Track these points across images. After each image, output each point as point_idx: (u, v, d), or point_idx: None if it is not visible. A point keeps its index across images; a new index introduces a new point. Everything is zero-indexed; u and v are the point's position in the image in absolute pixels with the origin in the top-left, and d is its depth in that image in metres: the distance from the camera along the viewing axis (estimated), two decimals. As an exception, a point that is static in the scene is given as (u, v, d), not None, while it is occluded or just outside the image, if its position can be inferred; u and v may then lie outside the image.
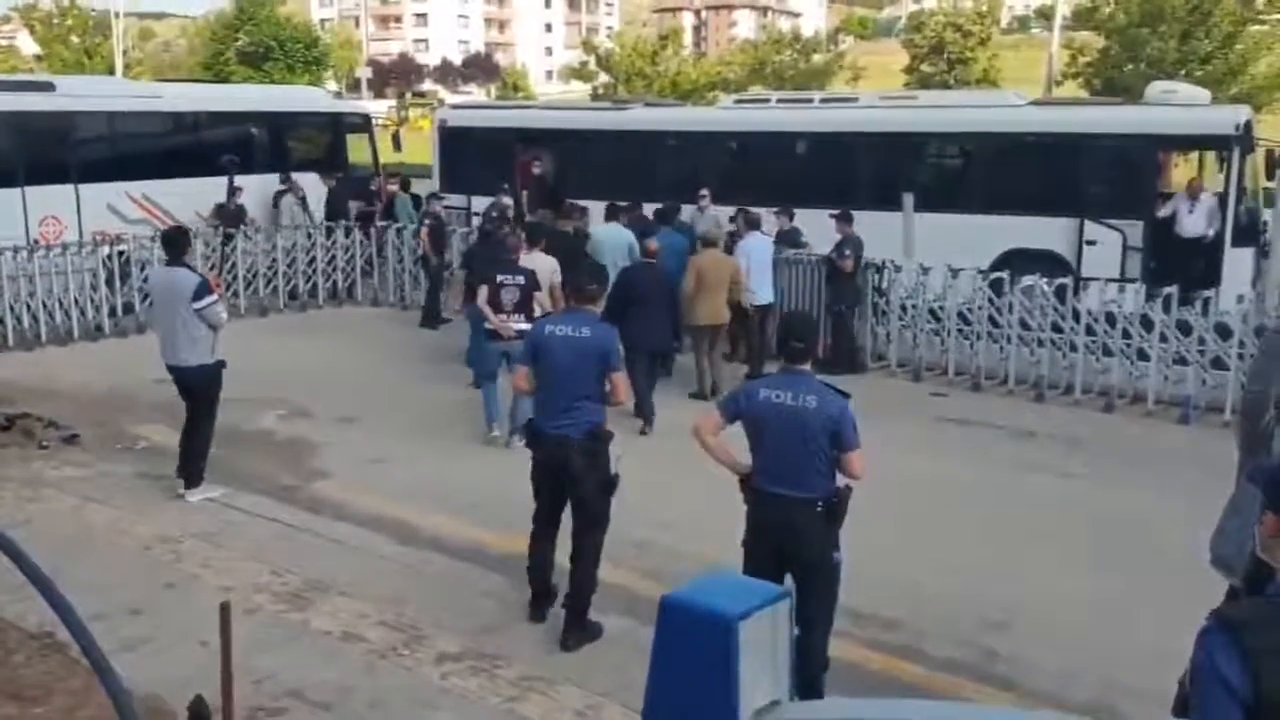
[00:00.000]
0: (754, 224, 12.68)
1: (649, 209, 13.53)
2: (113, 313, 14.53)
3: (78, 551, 6.96)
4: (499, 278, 9.78)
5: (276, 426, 10.43)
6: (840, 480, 5.14)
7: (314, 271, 16.60)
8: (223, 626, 4.34)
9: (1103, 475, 9.15)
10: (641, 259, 11.30)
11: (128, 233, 15.24)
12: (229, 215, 15.99)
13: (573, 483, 6.08)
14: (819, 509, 5.04)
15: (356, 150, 20.70)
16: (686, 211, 14.12)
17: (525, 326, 9.06)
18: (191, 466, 8.34)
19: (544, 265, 10.31)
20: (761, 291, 12.17)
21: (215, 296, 8.22)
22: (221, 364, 8.34)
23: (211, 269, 14.48)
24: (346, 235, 16.91)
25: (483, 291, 9.88)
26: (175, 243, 8.49)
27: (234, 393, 8.89)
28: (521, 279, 9.77)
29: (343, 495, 8.50)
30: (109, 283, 14.46)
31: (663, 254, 11.25)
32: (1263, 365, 4.61)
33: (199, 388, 8.28)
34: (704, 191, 14.69)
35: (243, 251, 15.82)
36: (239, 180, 15.55)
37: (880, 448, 6.40)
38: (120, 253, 14.79)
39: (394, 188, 18.74)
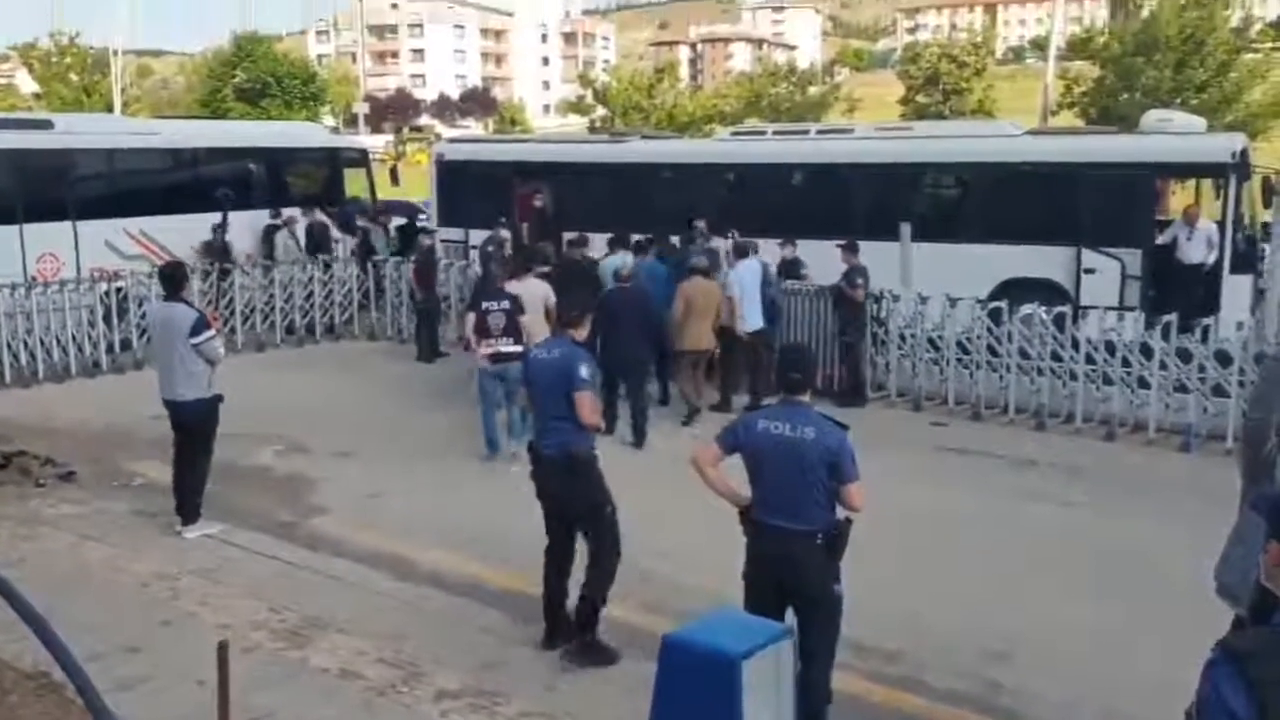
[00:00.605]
0: (743, 252, 12.73)
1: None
2: (110, 349, 14.53)
3: (74, 590, 6.91)
4: (484, 304, 10.47)
5: (274, 462, 10.39)
6: (840, 512, 5.11)
7: (311, 306, 16.60)
8: (220, 666, 4.30)
9: (1104, 504, 9.11)
10: (617, 284, 11.67)
11: (125, 269, 15.26)
12: (216, 251, 16.04)
13: (559, 502, 6.31)
14: (819, 541, 5.01)
15: (354, 185, 20.81)
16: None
17: (514, 349, 9.98)
18: (188, 503, 8.29)
19: (537, 290, 10.87)
20: (751, 319, 12.23)
21: (213, 331, 8.25)
22: (218, 399, 8.33)
23: (209, 304, 14.53)
24: (344, 269, 16.95)
25: (470, 319, 10.59)
26: (173, 278, 8.50)
27: (231, 428, 8.86)
28: (507, 304, 10.36)
29: (340, 531, 8.45)
30: (106, 319, 14.46)
31: (639, 278, 11.75)
32: (1264, 392, 4.59)
33: (195, 423, 8.26)
34: (699, 223, 14.72)
35: (240, 286, 15.83)
36: (190, 224, 15.99)
37: (880, 477, 6.38)
38: (118, 289, 14.80)
39: (364, 222, 18.70)
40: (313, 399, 12.79)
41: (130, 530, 8.39)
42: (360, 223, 18.75)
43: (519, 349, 9.78)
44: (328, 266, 16.78)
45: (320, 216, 18.15)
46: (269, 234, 17.77)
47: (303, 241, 17.78)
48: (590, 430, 6.35)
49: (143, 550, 7.93)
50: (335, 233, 18.35)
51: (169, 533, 8.24)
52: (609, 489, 6.30)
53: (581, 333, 6.60)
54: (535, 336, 9.99)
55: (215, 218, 16.31)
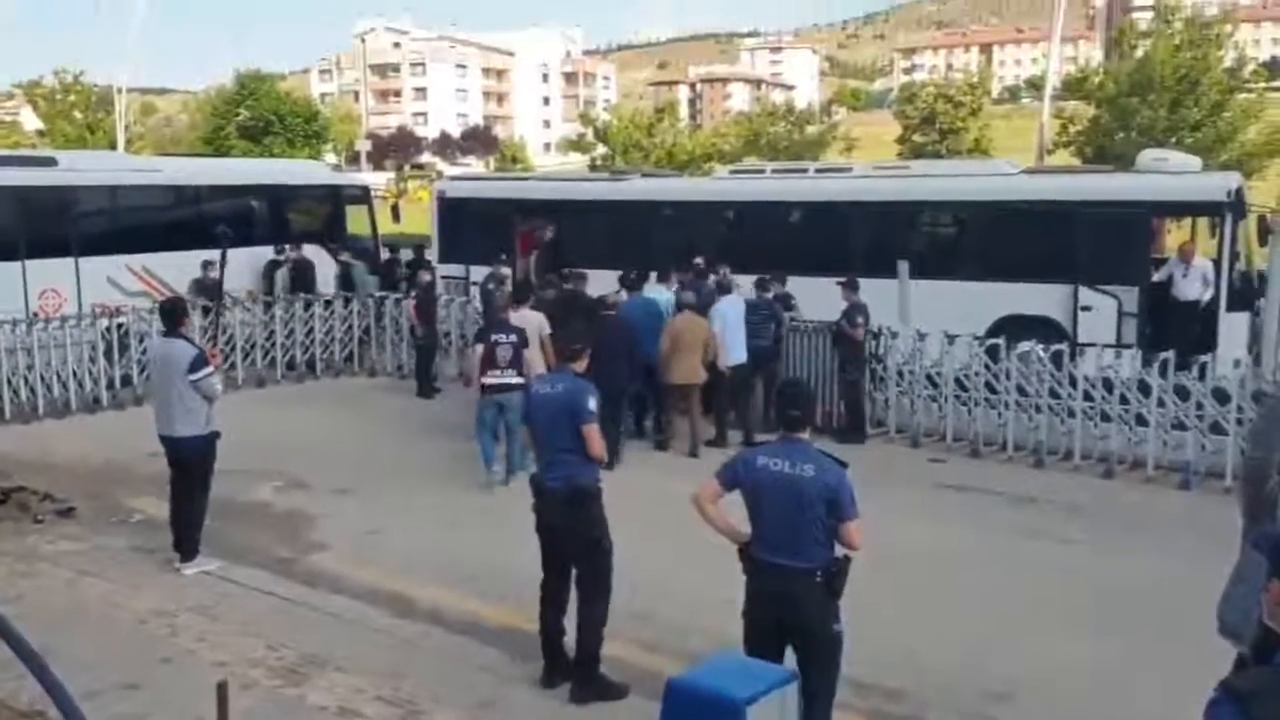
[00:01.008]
0: (726, 289, 12.81)
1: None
2: (111, 385, 14.55)
3: (71, 627, 6.89)
4: (493, 337, 10.90)
5: (273, 498, 10.38)
6: (839, 550, 5.10)
7: (311, 342, 16.63)
8: (220, 705, 4.29)
9: (1104, 542, 9.10)
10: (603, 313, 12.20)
11: (127, 305, 15.31)
12: (207, 288, 16.09)
13: (557, 535, 6.31)
14: (818, 579, 4.99)
15: (356, 222, 20.91)
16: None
17: (518, 380, 10.51)
18: (186, 539, 8.28)
19: (533, 321, 11.30)
20: (735, 353, 12.38)
21: (211, 368, 8.24)
22: (215, 435, 8.33)
23: (208, 341, 14.55)
24: (344, 306, 17.00)
25: (477, 350, 11.02)
26: (171, 313, 8.55)
27: (231, 464, 8.87)
28: (514, 337, 10.85)
29: (339, 568, 8.43)
30: (107, 355, 14.50)
31: (623, 308, 12.36)
32: (1264, 430, 4.59)
33: (192, 460, 8.26)
34: (698, 260, 14.80)
35: (240, 323, 15.87)
36: (192, 261, 16.08)
37: (880, 514, 6.38)
38: (119, 325, 14.84)
39: (346, 258, 18.69)
40: (312, 435, 12.80)
41: (128, 566, 8.38)
42: (342, 258, 18.73)
43: (521, 380, 10.39)
44: (309, 305, 16.65)
45: (304, 254, 18.04)
46: (270, 270, 17.84)
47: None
48: (596, 463, 6.37)
49: (141, 587, 7.92)
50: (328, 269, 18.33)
51: (167, 569, 8.23)
52: (607, 526, 6.30)
53: (582, 364, 6.64)
54: (535, 366, 10.71)
55: (215, 254, 16.36)
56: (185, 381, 8.02)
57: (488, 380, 10.77)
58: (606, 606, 6.24)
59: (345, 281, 18.05)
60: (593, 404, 6.32)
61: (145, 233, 17.12)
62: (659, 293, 13.13)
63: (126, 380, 14.73)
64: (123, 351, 14.72)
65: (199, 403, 8.11)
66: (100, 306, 15.06)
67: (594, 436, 6.30)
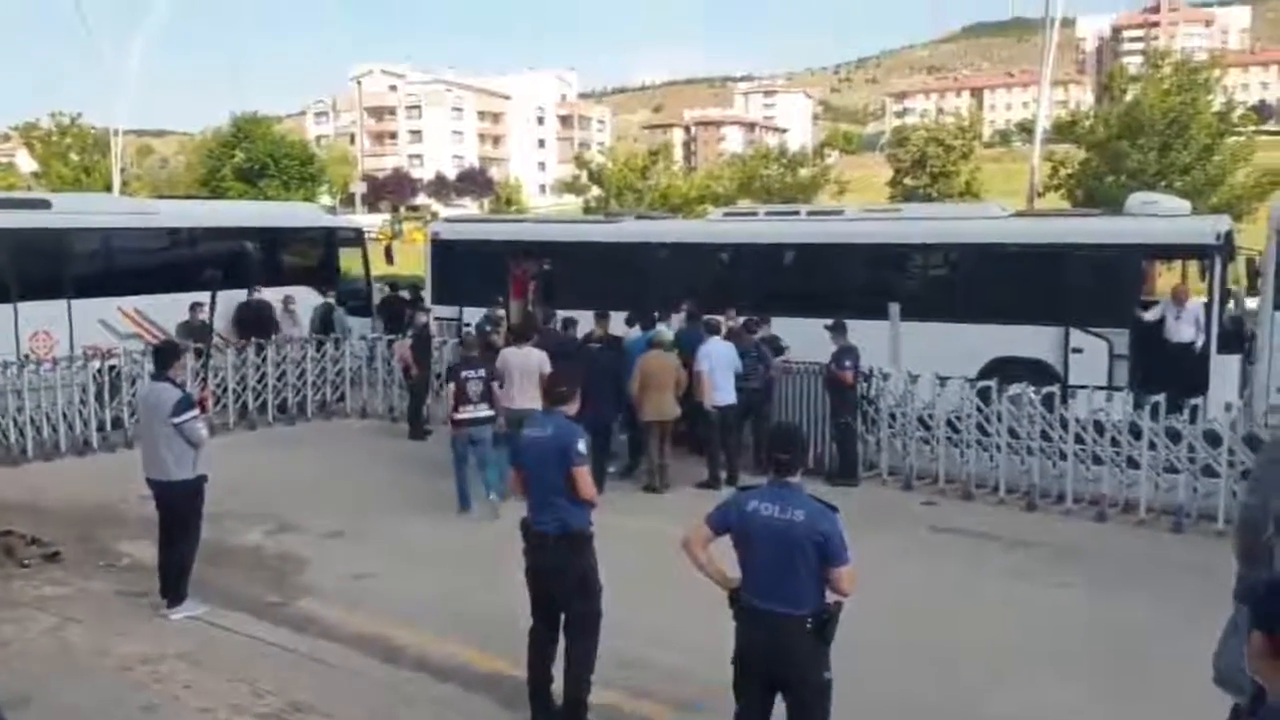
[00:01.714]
0: (713, 330, 12.89)
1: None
2: (101, 427, 14.50)
3: (54, 673, 6.83)
4: (464, 373, 11.42)
5: (263, 541, 10.31)
6: (830, 596, 5.07)
7: (303, 384, 16.60)
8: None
9: (1097, 586, 9.05)
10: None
11: (119, 347, 15.28)
12: (195, 330, 16.06)
13: (547, 579, 6.27)
14: (809, 626, 4.96)
15: (351, 264, 20.98)
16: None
17: (488, 414, 11.29)
18: (174, 584, 8.21)
19: (534, 358, 11.57)
20: (724, 394, 12.47)
21: (196, 412, 8.15)
22: (203, 479, 8.27)
23: (200, 383, 14.52)
24: (336, 348, 16.98)
25: (450, 388, 11.52)
26: (161, 356, 8.55)
27: (220, 508, 8.83)
28: (482, 372, 11.45)
29: (328, 612, 8.36)
30: (98, 397, 14.45)
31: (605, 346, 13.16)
32: (1261, 478, 4.56)
33: (179, 504, 8.19)
34: (685, 305, 14.83)
35: (232, 365, 15.84)
36: (206, 297, 15.67)
37: (873, 557, 6.35)
38: (111, 367, 14.81)
39: (328, 300, 18.56)
40: (303, 478, 12.75)
41: (115, 612, 8.31)
42: (325, 300, 18.59)
43: (491, 413, 11.35)
44: (260, 349, 16.41)
45: (260, 295, 17.73)
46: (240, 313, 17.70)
47: (302, 320, 17.82)
48: (588, 506, 6.34)
49: (127, 632, 7.85)
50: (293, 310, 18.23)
51: (154, 614, 8.16)
52: (598, 570, 6.27)
53: (572, 407, 6.61)
54: (527, 399, 10.84)
55: (202, 296, 16.35)
56: (169, 425, 7.96)
57: (460, 415, 11.29)
58: (595, 652, 6.20)
59: (325, 323, 17.97)
60: (583, 446, 6.30)
61: (138, 275, 17.13)
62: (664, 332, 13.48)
63: (117, 423, 14.67)
64: (114, 394, 14.67)
65: (185, 446, 8.04)
66: (92, 348, 15.04)
67: (584, 479, 6.27)
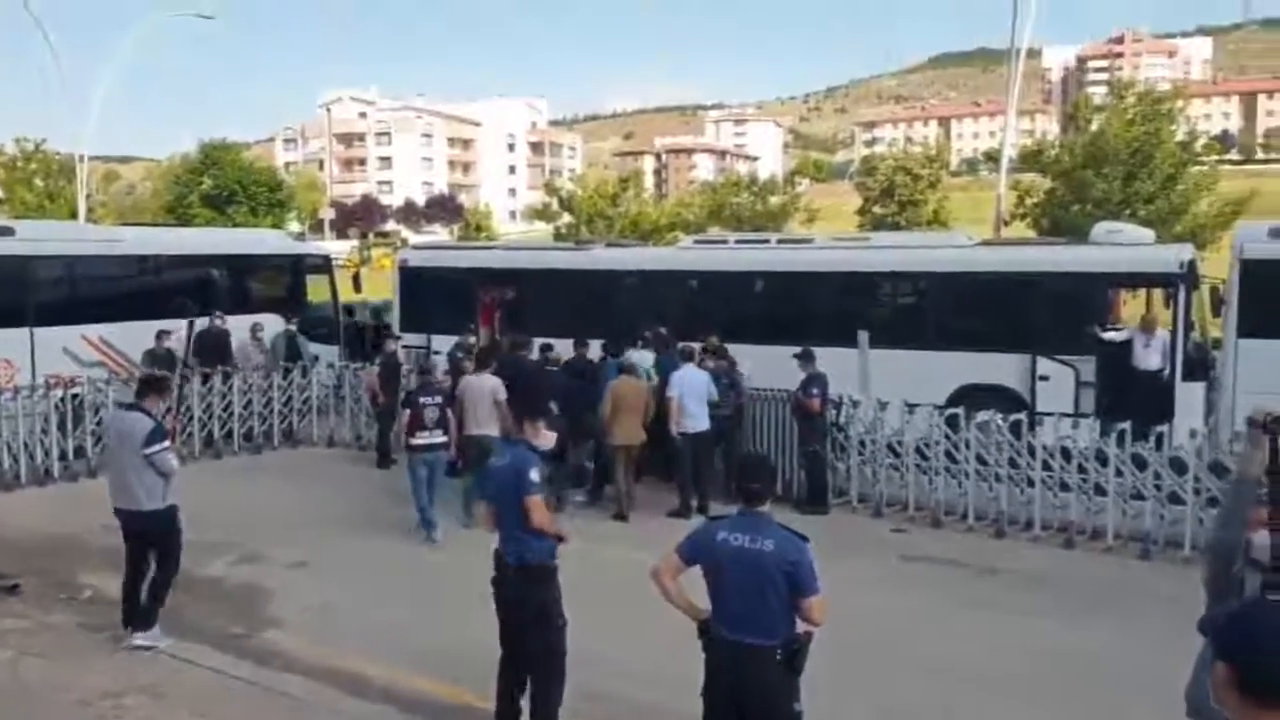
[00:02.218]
0: (688, 356, 12.91)
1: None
2: (63, 456, 14.28)
3: (12, 708, 6.70)
4: (420, 400, 11.70)
5: (226, 572, 10.18)
6: (800, 626, 5.04)
7: (270, 413, 16.44)
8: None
9: (1065, 613, 9.07)
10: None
11: (83, 376, 15.10)
12: (160, 358, 15.92)
13: (507, 609, 6.24)
14: (778, 657, 4.93)
15: (318, 292, 20.84)
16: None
17: (443, 439, 11.60)
18: (143, 611, 8.06)
19: (489, 384, 11.85)
20: (695, 421, 12.45)
21: (167, 443, 8.09)
22: (174, 509, 8.17)
23: (168, 412, 14.35)
24: (302, 375, 16.86)
25: (406, 413, 11.81)
26: (143, 386, 8.52)
27: (185, 537, 8.66)
28: (439, 399, 11.76)
29: (292, 644, 8.25)
30: (61, 426, 14.24)
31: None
32: (1233, 510, 4.59)
33: (151, 533, 8.10)
34: (661, 329, 14.84)
35: (199, 394, 15.67)
36: (172, 324, 15.79)
37: (843, 586, 6.33)
38: (74, 396, 14.61)
39: (289, 328, 18.30)
40: (268, 507, 12.61)
41: (75, 645, 8.17)
42: (288, 328, 18.34)
43: (446, 439, 11.66)
44: (227, 377, 16.32)
45: (219, 322, 17.47)
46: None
47: (268, 348, 17.68)
48: (544, 537, 6.24)
49: (88, 666, 7.71)
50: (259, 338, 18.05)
51: (116, 647, 8.02)
52: (561, 604, 6.19)
53: (538, 436, 6.51)
54: (484, 425, 11.56)
55: (167, 324, 16.28)
56: (139, 455, 7.90)
57: (417, 441, 11.58)
58: (561, 687, 6.13)
59: (291, 350, 17.81)
60: (535, 474, 6.23)
61: (103, 303, 16.96)
62: (643, 358, 13.77)
63: (80, 452, 14.46)
64: (76, 423, 14.47)
65: (156, 477, 7.97)
66: (54, 377, 14.84)
67: (536, 509, 6.19)
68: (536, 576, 6.17)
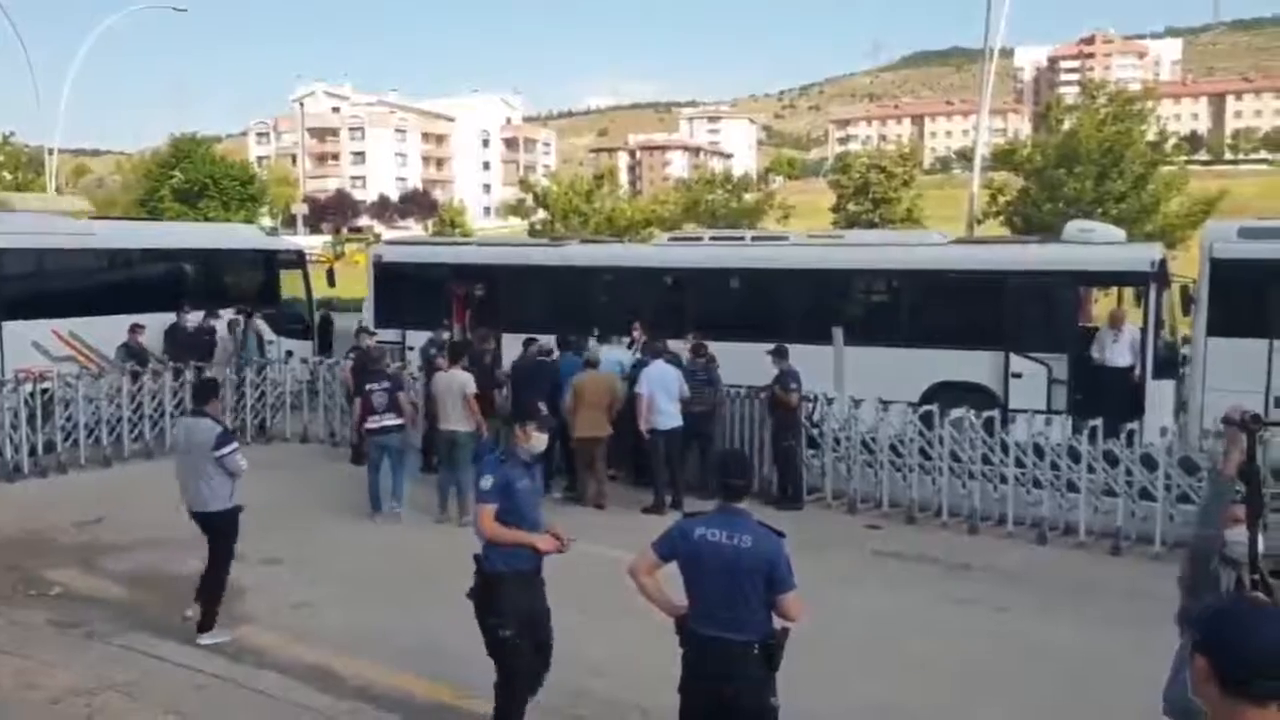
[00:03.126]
0: (658, 352, 12.93)
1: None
2: (33, 452, 14.11)
3: (-19, 707, 6.61)
4: (368, 385, 12.28)
5: (200, 569, 10.05)
6: (777, 622, 5.05)
7: (242, 408, 16.33)
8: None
9: (1038, 608, 9.15)
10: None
11: (53, 370, 14.94)
12: (135, 353, 15.82)
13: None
14: (755, 652, 4.94)
15: (291, 286, 20.72)
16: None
17: (395, 422, 12.09)
18: (205, 615, 8.23)
19: (458, 380, 11.95)
20: (665, 417, 12.46)
21: (235, 445, 8.41)
22: (237, 510, 8.40)
23: (136, 406, 14.30)
24: (278, 370, 16.75)
25: (359, 401, 12.35)
26: (200, 392, 9.01)
27: (158, 534, 8.66)
28: (387, 384, 12.31)
29: (266, 642, 8.19)
30: (31, 421, 14.07)
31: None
32: (1214, 509, 4.63)
33: (220, 532, 8.36)
34: (635, 326, 14.86)
35: (170, 388, 15.54)
36: (140, 319, 16.11)
37: (817, 582, 6.36)
38: (44, 390, 14.45)
39: (251, 323, 18.06)
40: (241, 503, 12.47)
41: (45, 643, 8.07)
42: (251, 323, 18.10)
43: (399, 422, 12.17)
44: (261, 368, 16.35)
45: (188, 315, 17.44)
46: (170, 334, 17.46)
47: (247, 340, 17.59)
48: (487, 541, 6.02)
49: (58, 664, 7.62)
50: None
51: (87, 645, 7.94)
52: (507, 611, 5.96)
53: (531, 438, 6.29)
54: (454, 421, 11.83)
55: (140, 318, 16.22)
56: (209, 458, 8.18)
57: (369, 426, 12.14)
58: (519, 694, 5.99)
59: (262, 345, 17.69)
60: (484, 481, 6.08)
61: (73, 296, 16.79)
62: (620, 353, 13.91)
63: (50, 447, 14.31)
64: (46, 418, 14.31)
65: (224, 478, 8.29)
66: (24, 372, 14.67)
67: (480, 514, 6.06)
68: (485, 582, 6.02)
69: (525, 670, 6.03)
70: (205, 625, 8.21)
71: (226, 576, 8.39)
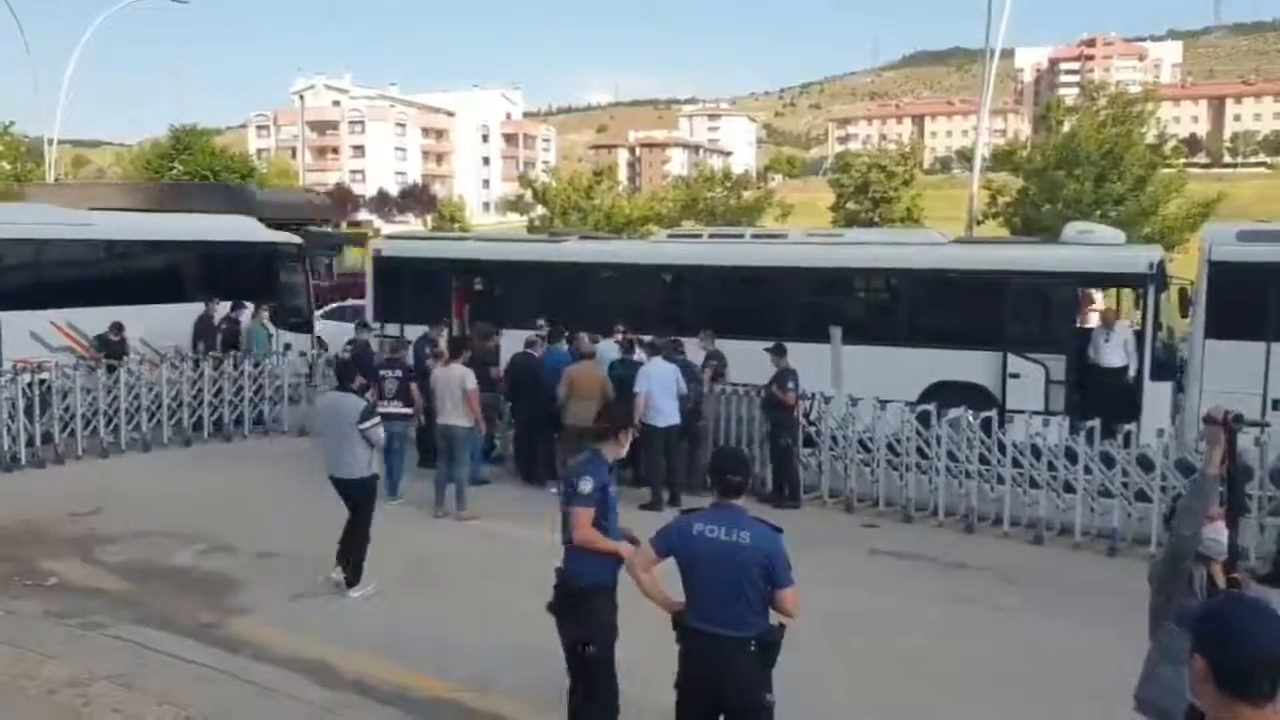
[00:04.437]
0: (657, 350, 12.93)
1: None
2: (31, 442, 14.09)
3: (-23, 697, 6.61)
4: (382, 371, 12.66)
5: (196, 561, 10.08)
6: (774, 619, 5.05)
7: (240, 401, 16.32)
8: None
9: (1034, 608, 9.17)
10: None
11: (51, 360, 14.93)
12: (112, 347, 15.82)
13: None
14: (752, 648, 4.94)
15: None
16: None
17: (403, 410, 12.44)
18: (352, 568, 9.04)
19: (456, 374, 12.12)
20: (664, 415, 12.44)
21: (377, 419, 9.31)
22: (375, 477, 9.38)
23: (112, 398, 14.43)
24: (279, 363, 16.75)
25: (374, 385, 12.24)
26: (343, 372, 9.84)
27: (154, 526, 8.66)
28: (399, 372, 12.68)
29: (262, 634, 8.19)
30: (28, 412, 14.06)
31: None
32: (1196, 509, 4.64)
33: (359, 497, 9.21)
34: (619, 326, 14.84)
35: (168, 381, 15.54)
36: (120, 316, 16.21)
37: (814, 580, 6.35)
38: (42, 381, 14.44)
39: (246, 316, 18.00)
40: (238, 496, 12.50)
41: (41, 633, 8.06)
42: (243, 315, 18.02)
43: (406, 411, 12.55)
44: (196, 365, 16.19)
45: (213, 312, 17.54)
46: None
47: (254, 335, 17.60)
48: (593, 552, 5.82)
49: (54, 654, 7.62)
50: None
51: (83, 635, 7.94)
52: (598, 628, 5.84)
53: (614, 448, 6.10)
54: (452, 415, 12.02)
55: (142, 310, 16.21)
56: (354, 429, 9.01)
57: (382, 411, 11.91)
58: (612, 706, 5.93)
59: (230, 340, 17.55)
60: (584, 485, 5.82)
61: (71, 287, 16.78)
62: (610, 350, 14.01)
63: (48, 437, 14.29)
64: (44, 408, 14.30)
65: (366, 448, 9.14)
66: (22, 362, 14.65)
67: (578, 517, 5.83)
68: (572, 598, 5.84)
69: (613, 688, 5.88)
70: (353, 580, 9.00)
71: (368, 536, 9.15)
